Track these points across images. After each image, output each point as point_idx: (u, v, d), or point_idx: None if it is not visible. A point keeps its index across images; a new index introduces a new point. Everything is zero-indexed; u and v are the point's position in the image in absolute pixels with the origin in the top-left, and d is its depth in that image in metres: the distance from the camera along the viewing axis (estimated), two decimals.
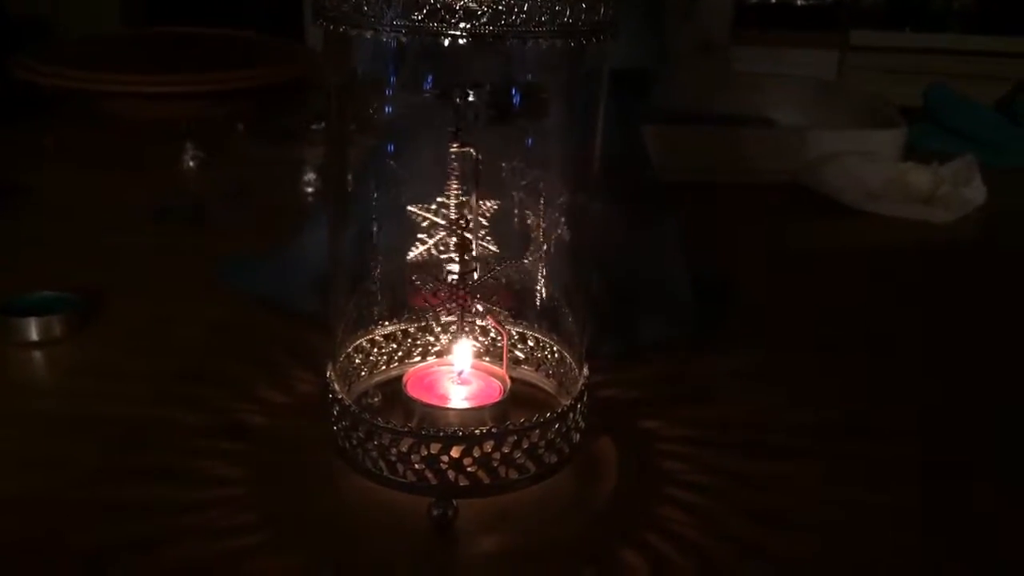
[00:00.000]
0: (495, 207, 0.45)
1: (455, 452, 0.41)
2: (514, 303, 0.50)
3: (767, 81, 1.10)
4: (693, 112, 1.03)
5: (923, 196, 0.86)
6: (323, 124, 0.92)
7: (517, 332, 0.51)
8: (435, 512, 0.41)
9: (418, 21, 0.35)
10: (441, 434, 0.41)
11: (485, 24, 0.35)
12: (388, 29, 0.36)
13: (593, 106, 0.43)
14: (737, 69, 1.28)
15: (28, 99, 1.01)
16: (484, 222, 0.46)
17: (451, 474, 0.42)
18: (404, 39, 0.36)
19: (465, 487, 0.42)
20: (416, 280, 0.46)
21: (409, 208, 0.46)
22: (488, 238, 0.46)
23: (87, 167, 0.89)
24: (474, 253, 0.46)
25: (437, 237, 0.46)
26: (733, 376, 0.57)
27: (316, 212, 0.66)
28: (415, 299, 0.49)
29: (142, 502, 0.43)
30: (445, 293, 0.46)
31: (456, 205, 0.45)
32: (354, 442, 0.43)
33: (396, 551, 0.41)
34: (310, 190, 0.82)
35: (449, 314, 0.48)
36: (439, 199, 0.45)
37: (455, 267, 0.47)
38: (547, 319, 0.51)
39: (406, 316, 0.51)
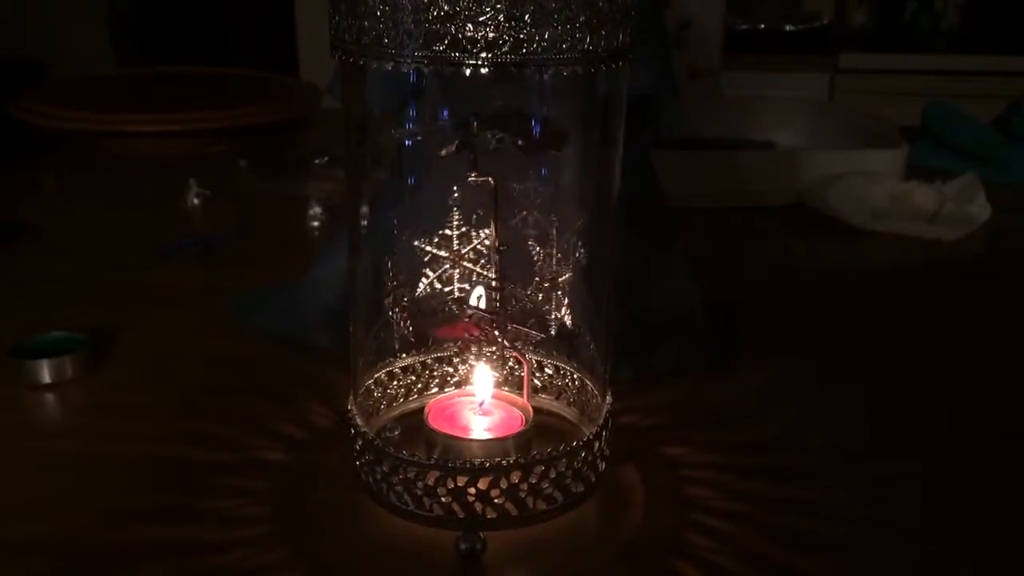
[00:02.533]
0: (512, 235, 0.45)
1: (482, 484, 0.41)
2: (536, 330, 0.50)
3: (763, 104, 1.11)
4: (692, 137, 1.03)
5: (928, 214, 0.86)
6: (326, 159, 0.94)
7: (536, 360, 0.51)
8: (463, 546, 0.41)
9: (439, 52, 0.35)
10: (468, 466, 0.41)
11: (506, 53, 0.35)
12: (409, 60, 0.36)
13: (611, 130, 0.43)
14: (729, 94, 1.29)
15: (26, 140, 1.01)
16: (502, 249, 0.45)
17: (478, 506, 0.41)
18: (426, 70, 0.36)
19: (493, 519, 0.41)
20: (447, 310, 0.46)
21: (415, 243, 0.45)
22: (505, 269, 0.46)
23: (90, 206, 0.88)
24: (494, 283, 0.45)
25: (441, 270, 0.46)
26: (750, 400, 0.56)
27: (326, 246, 0.66)
28: (445, 331, 0.49)
29: (166, 544, 0.43)
30: (480, 325, 0.46)
31: (459, 236, 0.45)
32: (378, 476, 0.43)
33: None
34: (316, 224, 0.82)
35: (480, 345, 0.47)
36: (442, 231, 0.45)
37: (480, 298, 0.47)
38: (566, 345, 0.51)
39: (425, 347, 0.51)
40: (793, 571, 0.42)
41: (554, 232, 0.47)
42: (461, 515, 0.41)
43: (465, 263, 0.45)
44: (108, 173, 0.97)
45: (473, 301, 0.47)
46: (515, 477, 0.41)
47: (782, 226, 0.87)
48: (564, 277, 0.47)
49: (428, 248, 0.45)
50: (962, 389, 0.59)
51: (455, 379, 0.52)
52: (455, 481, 0.41)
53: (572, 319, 0.49)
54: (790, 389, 0.58)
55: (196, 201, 0.87)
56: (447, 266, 0.45)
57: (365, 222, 0.47)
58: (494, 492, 0.41)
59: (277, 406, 0.54)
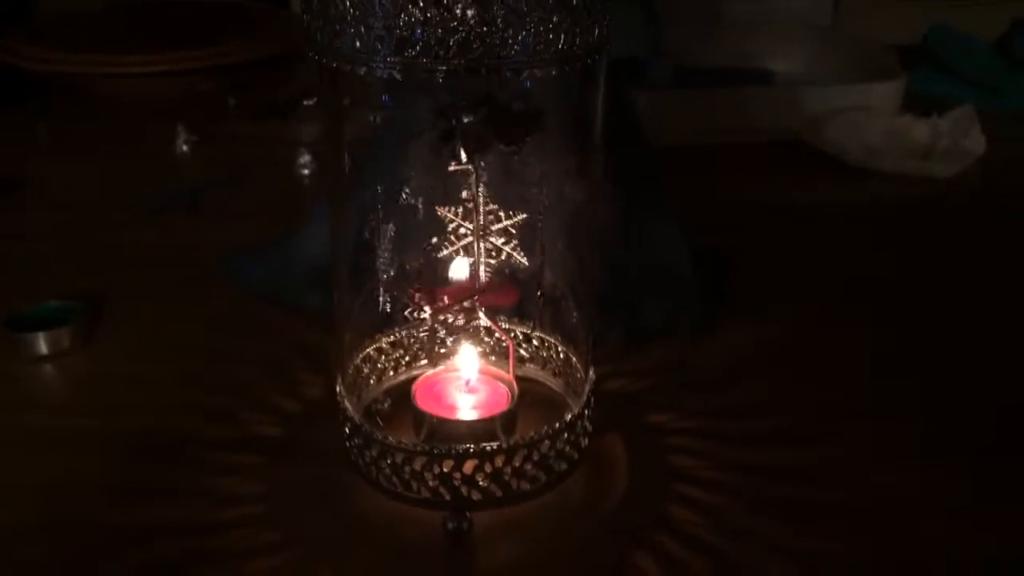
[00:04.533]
0: (522, 219, 0.45)
1: (468, 468, 0.42)
2: (518, 301, 0.51)
3: (761, 31, 1.08)
4: (688, 66, 1.02)
5: (922, 150, 0.85)
6: (315, 99, 0.92)
7: (522, 332, 0.52)
8: (450, 525, 0.42)
9: (411, 56, 0.35)
10: (453, 451, 0.42)
11: (480, 58, 0.35)
12: (382, 65, 0.35)
13: (591, 101, 0.42)
14: (730, 14, 1.26)
15: (15, 81, 1.00)
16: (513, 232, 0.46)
17: (464, 489, 0.43)
18: (398, 75, 0.35)
19: (478, 500, 0.43)
20: (419, 289, 0.47)
21: (438, 209, 0.45)
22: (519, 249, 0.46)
23: (80, 156, 0.88)
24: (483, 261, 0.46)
25: (464, 242, 0.46)
26: (738, 358, 0.57)
27: (314, 205, 0.66)
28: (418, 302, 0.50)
29: (165, 524, 0.44)
30: (446, 299, 0.47)
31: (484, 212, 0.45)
32: (367, 459, 0.44)
33: (416, 564, 0.42)
34: (306, 172, 0.81)
35: (454, 320, 0.48)
36: (467, 204, 0.45)
37: (459, 270, 0.47)
38: (550, 312, 0.51)
39: (409, 321, 0.51)
40: (780, 543, 0.43)
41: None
42: (448, 497, 0.43)
43: (491, 239, 0.45)
44: (97, 118, 0.96)
45: (454, 273, 0.48)
46: (499, 461, 0.42)
47: (778, 164, 0.87)
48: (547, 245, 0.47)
49: (452, 217, 0.45)
50: (957, 336, 0.59)
51: (443, 351, 0.52)
52: (441, 466, 0.42)
53: (557, 285, 0.49)
54: (782, 345, 0.59)
55: (185, 148, 0.86)
56: (469, 238, 0.46)
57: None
58: (479, 476, 0.42)
59: (271, 375, 0.55)
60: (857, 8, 1.34)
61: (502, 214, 0.45)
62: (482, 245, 0.45)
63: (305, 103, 0.92)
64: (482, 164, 0.43)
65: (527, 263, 0.46)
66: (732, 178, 0.84)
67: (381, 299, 0.50)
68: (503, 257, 0.46)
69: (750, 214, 0.76)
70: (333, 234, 0.47)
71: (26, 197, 0.79)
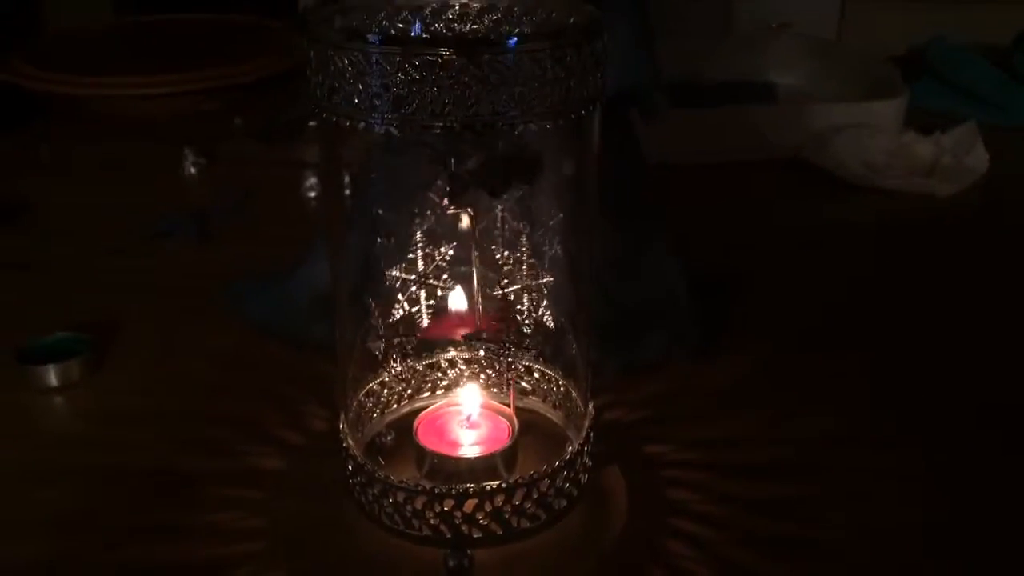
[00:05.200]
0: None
1: (468, 507, 0.43)
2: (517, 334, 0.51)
3: (765, 44, 1.09)
4: (692, 82, 1.02)
5: (925, 168, 0.86)
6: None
7: (523, 365, 0.52)
8: (451, 563, 0.43)
9: (408, 114, 0.35)
10: (453, 491, 0.43)
11: (475, 115, 0.35)
12: (379, 121, 0.36)
13: (587, 140, 0.43)
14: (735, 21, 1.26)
15: (21, 102, 1.01)
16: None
17: (465, 527, 0.43)
18: (395, 132, 0.36)
19: (479, 538, 0.44)
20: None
21: (391, 273, 0.47)
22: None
23: (84, 178, 0.89)
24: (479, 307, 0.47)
25: (408, 292, 0.47)
26: (735, 387, 0.58)
27: (318, 235, 0.67)
28: (434, 331, 0.50)
29: (168, 562, 0.45)
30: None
31: (424, 257, 0.46)
32: (369, 497, 0.45)
33: None
34: (312, 195, 0.82)
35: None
36: (408, 256, 0.46)
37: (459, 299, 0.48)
38: (551, 344, 0.52)
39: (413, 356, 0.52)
40: None
41: (530, 230, 0.48)
42: (448, 535, 0.43)
43: (430, 282, 0.46)
44: (102, 138, 0.97)
45: (452, 303, 0.49)
46: (499, 500, 0.43)
47: (779, 183, 0.87)
48: (543, 279, 0.48)
49: (399, 275, 0.46)
50: (964, 364, 0.60)
51: (445, 383, 0.53)
52: (442, 505, 0.43)
53: (553, 317, 0.50)
54: (780, 373, 0.59)
55: (192, 170, 0.87)
56: (413, 288, 0.47)
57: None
58: (479, 514, 0.43)
59: (275, 408, 0.56)
60: (862, 10, 1.34)
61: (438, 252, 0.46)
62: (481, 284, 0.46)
63: (311, 124, 0.92)
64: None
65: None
66: (732, 198, 0.84)
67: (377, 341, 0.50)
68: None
69: (750, 236, 0.77)
70: (332, 270, 0.48)
71: (31, 223, 0.80)
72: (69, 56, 1.02)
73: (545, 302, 0.49)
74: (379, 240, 0.45)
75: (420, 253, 0.45)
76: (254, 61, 1.00)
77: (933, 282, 0.70)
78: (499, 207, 0.46)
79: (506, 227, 0.47)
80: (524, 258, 0.47)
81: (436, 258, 0.46)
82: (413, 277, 0.46)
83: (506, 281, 0.46)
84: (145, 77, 0.96)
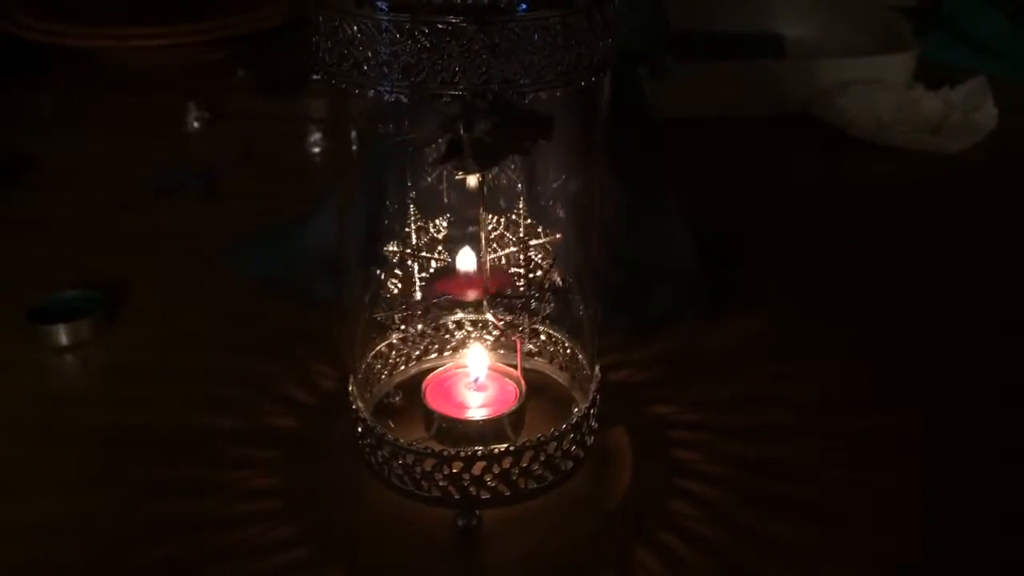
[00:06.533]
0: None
1: (476, 470, 0.44)
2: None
3: None
4: (699, 32, 1.01)
5: (934, 124, 0.85)
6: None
7: (530, 327, 0.53)
8: (460, 523, 0.44)
9: (418, 81, 0.35)
10: (462, 455, 0.43)
11: (485, 83, 0.35)
12: (389, 89, 0.36)
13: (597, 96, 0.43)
14: None
15: (21, 53, 1.00)
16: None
17: (473, 489, 0.44)
18: (405, 99, 0.36)
19: (487, 499, 0.44)
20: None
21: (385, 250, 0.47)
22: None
23: (86, 132, 0.88)
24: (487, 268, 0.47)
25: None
26: (741, 348, 0.58)
27: (324, 191, 0.67)
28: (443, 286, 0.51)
29: (182, 521, 0.46)
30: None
31: (417, 231, 0.47)
32: (379, 459, 0.45)
33: (427, 558, 0.44)
34: (316, 150, 0.82)
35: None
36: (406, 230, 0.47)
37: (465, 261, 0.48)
38: (558, 307, 0.52)
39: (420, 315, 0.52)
40: (779, 540, 0.44)
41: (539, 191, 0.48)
42: (457, 496, 0.44)
43: (422, 254, 0.47)
44: (103, 91, 0.96)
45: (461, 263, 0.49)
46: (507, 463, 0.44)
47: (788, 140, 0.87)
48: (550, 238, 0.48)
49: (393, 249, 0.46)
50: (968, 328, 0.60)
51: (453, 343, 0.54)
52: (451, 467, 0.44)
53: (561, 276, 0.50)
54: (787, 334, 0.59)
55: (196, 124, 0.87)
56: (408, 261, 0.47)
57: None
58: (488, 477, 0.44)
59: (284, 366, 0.56)
60: None
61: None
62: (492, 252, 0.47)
63: (315, 76, 0.91)
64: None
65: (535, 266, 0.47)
66: (739, 155, 0.84)
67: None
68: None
69: (758, 194, 0.77)
70: (340, 229, 0.48)
71: (35, 178, 0.80)
72: (70, 6, 1.01)
73: (553, 262, 0.49)
74: (388, 204, 0.46)
75: (414, 226, 0.46)
76: (256, 12, 0.98)
77: (940, 241, 0.70)
78: (512, 167, 0.46)
79: (519, 187, 0.47)
80: (529, 220, 0.47)
81: (431, 231, 0.46)
82: (409, 250, 0.46)
83: (513, 240, 0.46)
84: (146, 28, 0.94)
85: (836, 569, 0.43)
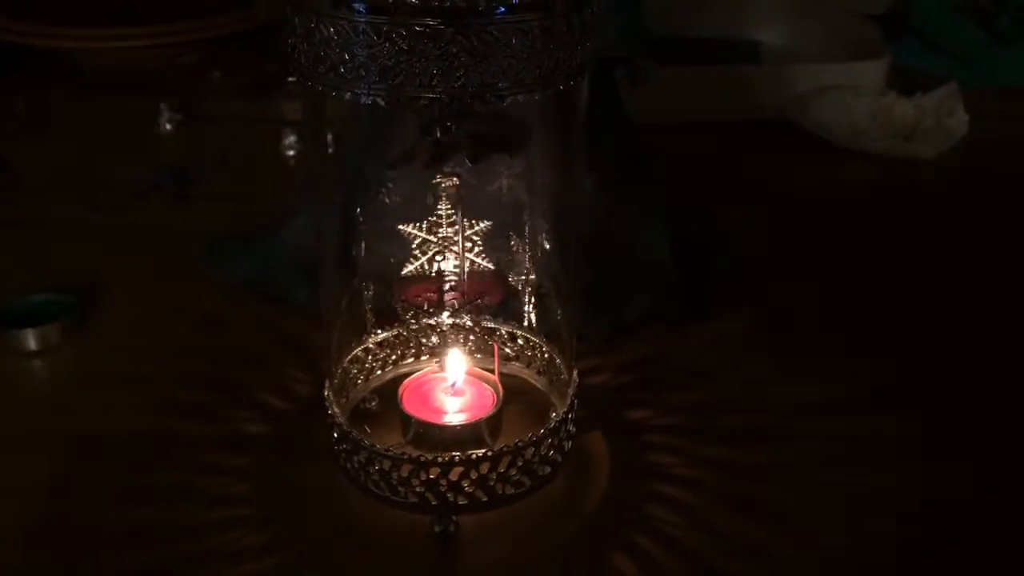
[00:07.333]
0: (486, 227, 0.46)
1: (454, 475, 0.43)
2: (503, 300, 0.52)
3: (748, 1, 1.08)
4: (675, 38, 1.01)
5: (907, 130, 0.86)
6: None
7: (507, 332, 0.52)
8: (437, 528, 0.44)
9: (395, 84, 0.35)
10: (439, 460, 0.43)
11: (463, 87, 0.35)
12: (366, 91, 0.35)
13: (574, 103, 0.43)
14: None
15: None
16: (477, 240, 0.47)
17: (450, 495, 0.44)
18: (382, 102, 0.35)
19: (464, 505, 0.44)
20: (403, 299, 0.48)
21: (400, 227, 0.46)
22: (483, 255, 0.47)
23: (60, 133, 0.87)
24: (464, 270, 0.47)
25: (429, 254, 0.47)
26: (718, 351, 0.58)
27: (300, 193, 0.66)
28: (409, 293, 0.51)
29: (154, 527, 0.45)
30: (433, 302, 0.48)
31: (448, 224, 0.46)
32: (355, 464, 0.45)
33: (403, 564, 0.44)
34: (291, 153, 0.81)
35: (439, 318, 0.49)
36: (431, 218, 0.46)
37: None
38: (536, 312, 0.52)
39: (398, 322, 0.52)
40: (756, 545, 0.44)
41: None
42: (434, 502, 0.44)
43: (454, 248, 0.47)
44: (78, 92, 0.95)
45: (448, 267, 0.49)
46: (484, 468, 0.43)
47: (762, 144, 0.87)
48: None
49: (417, 232, 0.46)
50: (943, 331, 0.60)
51: (430, 346, 0.53)
52: (428, 473, 0.43)
53: (539, 280, 0.50)
54: (763, 337, 0.60)
55: (169, 127, 0.86)
56: (436, 250, 0.47)
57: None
58: (465, 482, 0.43)
59: (259, 371, 0.56)
60: None
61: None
62: (464, 252, 0.46)
63: (290, 79, 0.91)
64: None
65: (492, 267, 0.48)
66: (715, 159, 0.84)
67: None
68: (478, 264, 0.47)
69: (735, 199, 0.77)
70: (317, 233, 0.47)
71: (8, 180, 0.79)
72: (43, 6, 0.99)
73: (530, 267, 0.49)
74: (381, 196, 0.45)
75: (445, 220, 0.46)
76: (231, 14, 0.97)
77: (913, 245, 0.71)
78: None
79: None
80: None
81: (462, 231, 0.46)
82: (434, 238, 0.46)
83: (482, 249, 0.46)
84: (120, 28, 0.93)
85: (811, 572, 0.43)
